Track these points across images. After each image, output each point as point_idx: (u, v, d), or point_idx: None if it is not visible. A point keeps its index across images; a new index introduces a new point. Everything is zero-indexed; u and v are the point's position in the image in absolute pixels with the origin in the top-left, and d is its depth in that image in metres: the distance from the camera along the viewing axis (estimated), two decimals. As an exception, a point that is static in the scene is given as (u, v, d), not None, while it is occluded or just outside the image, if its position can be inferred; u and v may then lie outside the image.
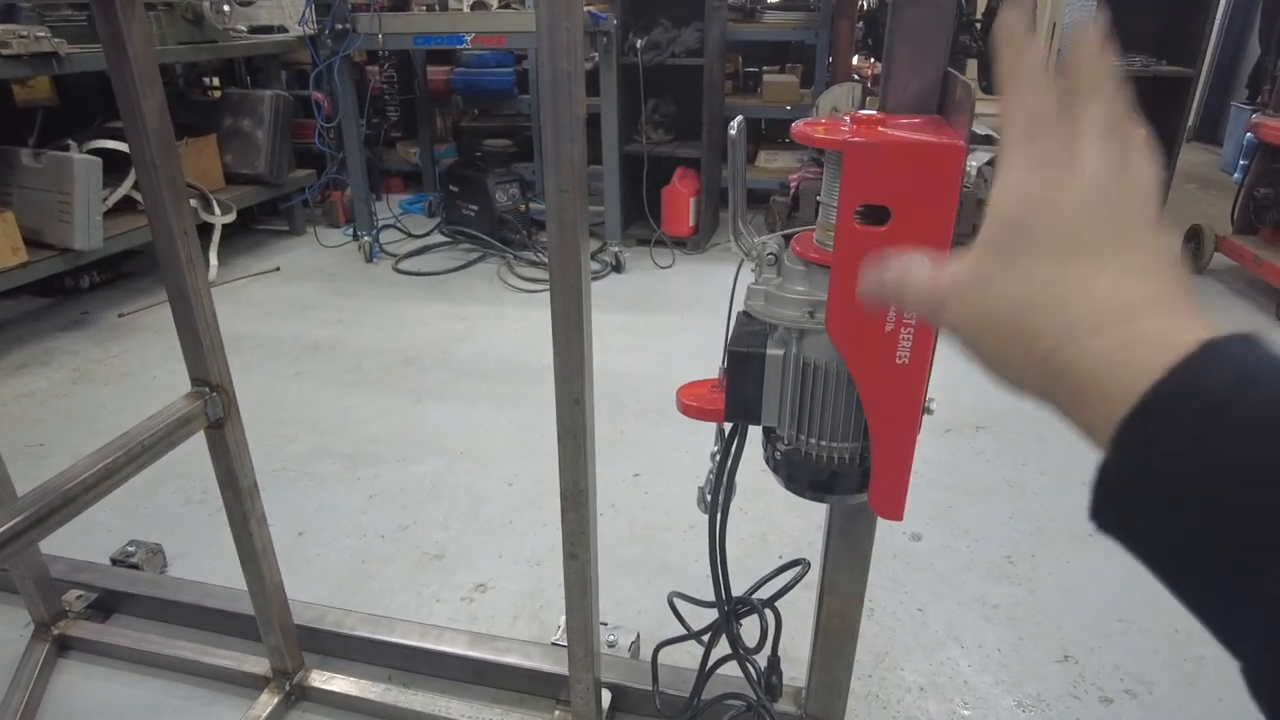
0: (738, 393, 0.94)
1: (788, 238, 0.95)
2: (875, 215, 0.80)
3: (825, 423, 0.91)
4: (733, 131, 0.88)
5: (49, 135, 3.46)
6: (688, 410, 1.03)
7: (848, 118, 0.85)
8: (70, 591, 1.74)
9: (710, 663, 1.28)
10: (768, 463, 1.00)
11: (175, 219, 1.13)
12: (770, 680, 1.26)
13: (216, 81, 4.69)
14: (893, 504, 0.92)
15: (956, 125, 0.85)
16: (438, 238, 4.35)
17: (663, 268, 3.99)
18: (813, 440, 0.93)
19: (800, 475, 0.96)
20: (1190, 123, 3.52)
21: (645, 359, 2.98)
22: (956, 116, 0.85)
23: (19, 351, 3.07)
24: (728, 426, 1.06)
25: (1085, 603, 1.78)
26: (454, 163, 4.59)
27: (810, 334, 0.88)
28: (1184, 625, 1.71)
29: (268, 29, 4.42)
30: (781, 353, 0.91)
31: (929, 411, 0.89)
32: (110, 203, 3.38)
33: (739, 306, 0.98)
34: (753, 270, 0.94)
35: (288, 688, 1.53)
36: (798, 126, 0.84)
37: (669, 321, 3.34)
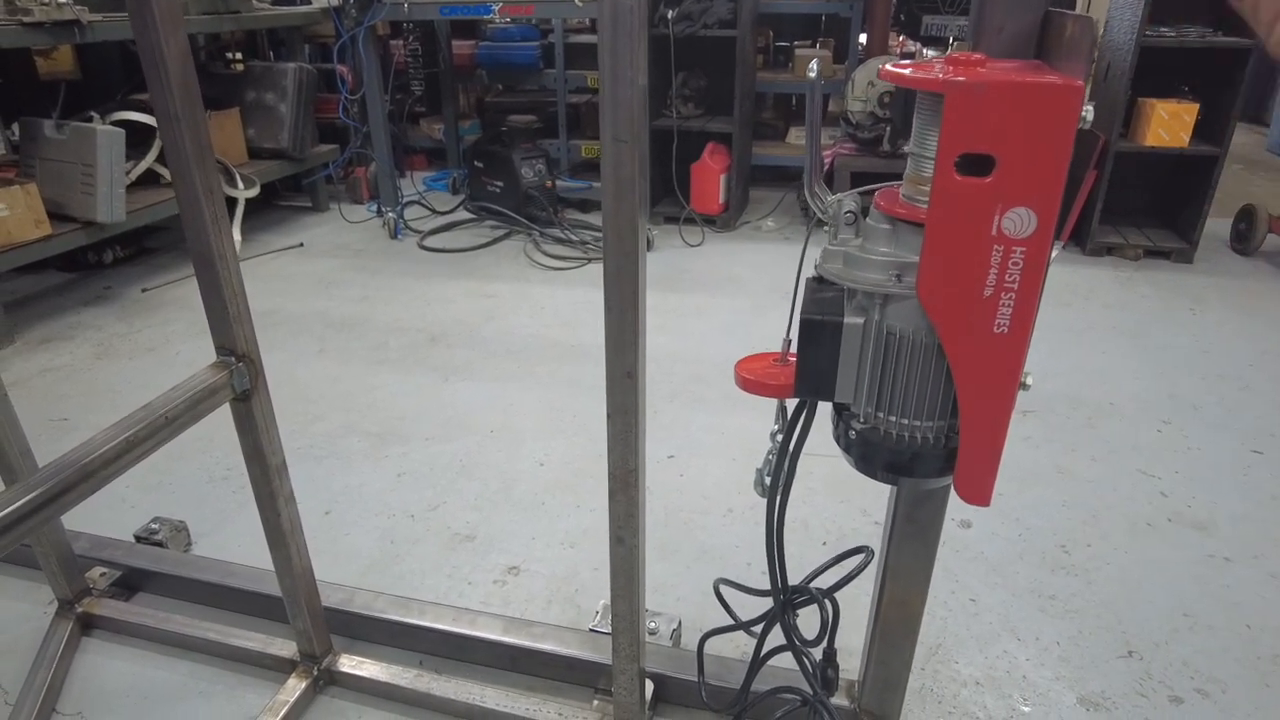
0: (810, 365, 0.86)
1: (866, 195, 0.86)
2: (977, 165, 0.71)
3: (908, 398, 0.83)
4: (812, 73, 0.79)
5: (72, 109, 3.41)
6: (747, 385, 0.95)
7: (943, 60, 0.76)
8: (94, 569, 1.70)
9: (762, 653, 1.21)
10: (838, 441, 0.92)
11: (199, 177, 1.06)
12: (826, 673, 1.18)
13: (239, 55, 4.64)
14: (981, 488, 0.84)
15: (1066, 69, 0.76)
16: (463, 214, 4.28)
17: (692, 246, 3.89)
18: (893, 418, 0.85)
19: (876, 456, 0.88)
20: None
21: (677, 339, 2.90)
22: (1067, 60, 0.76)
23: (42, 326, 3.03)
24: (790, 404, 0.99)
25: (1147, 596, 1.69)
26: (479, 139, 4.51)
27: (895, 299, 0.80)
28: (1256, 622, 1.61)
29: (291, 0, 4.35)
30: (861, 320, 0.82)
31: (1025, 387, 0.81)
32: (134, 175, 3.34)
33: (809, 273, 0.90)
34: (827, 231, 0.86)
35: (316, 672, 1.47)
36: (887, 68, 0.75)
37: (700, 300, 3.25)
